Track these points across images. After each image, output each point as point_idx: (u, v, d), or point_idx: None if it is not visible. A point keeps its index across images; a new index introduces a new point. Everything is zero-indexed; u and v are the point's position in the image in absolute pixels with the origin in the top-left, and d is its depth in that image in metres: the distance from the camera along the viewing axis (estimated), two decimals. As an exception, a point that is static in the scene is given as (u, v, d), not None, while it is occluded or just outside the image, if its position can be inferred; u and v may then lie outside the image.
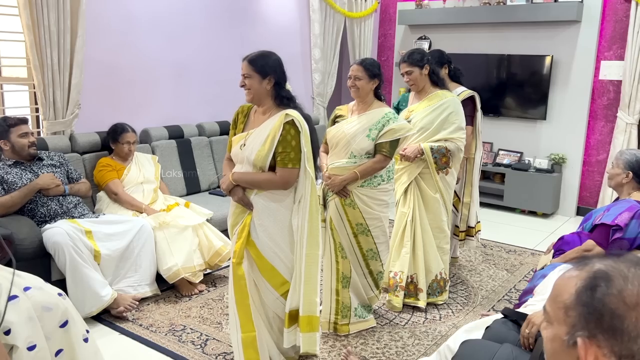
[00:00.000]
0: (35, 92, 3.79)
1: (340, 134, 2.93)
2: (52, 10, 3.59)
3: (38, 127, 3.95)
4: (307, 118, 2.39)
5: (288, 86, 2.43)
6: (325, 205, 2.98)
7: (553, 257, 2.98)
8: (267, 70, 2.35)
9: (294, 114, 2.32)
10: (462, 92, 3.63)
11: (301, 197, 2.36)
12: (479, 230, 4.04)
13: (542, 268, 2.82)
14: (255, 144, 2.35)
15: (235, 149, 2.46)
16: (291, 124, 2.30)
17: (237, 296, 2.41)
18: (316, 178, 2.43)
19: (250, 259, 2.42)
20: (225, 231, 3.85)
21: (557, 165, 5.66)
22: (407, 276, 3.31)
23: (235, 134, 2.51)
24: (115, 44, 4.23)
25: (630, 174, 2.79)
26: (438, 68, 3.53)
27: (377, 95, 2.97)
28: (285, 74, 2.42)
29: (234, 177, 2.40)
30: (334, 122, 3.07)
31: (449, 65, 3.71)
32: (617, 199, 2.98)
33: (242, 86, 2.39)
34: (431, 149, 3.20)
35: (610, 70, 5.36)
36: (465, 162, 3.76)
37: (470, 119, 3.65)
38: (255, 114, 2.48)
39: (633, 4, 5.00)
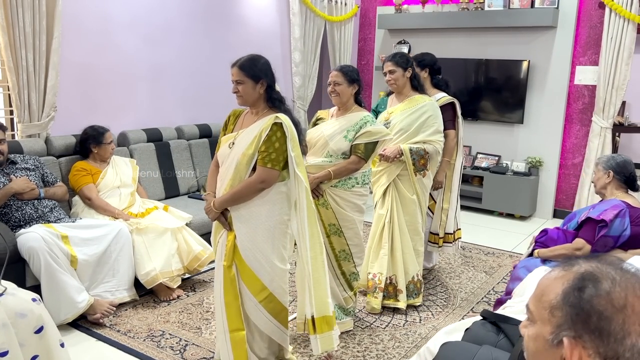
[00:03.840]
0: (9, 95, 3.71)
1: (318, 134, 2.97)
2: (27, 10, 3.53)
3: (13, 129, 3.87)
4: (296, 123, 2.40)
5: (277, 87, 2.44)
6: None
7: (534, 247, 3.01)
8: (259, 74, 2.37)
9: (283, 117, 2.33)
10: (442, 97, 3.66)
11: (295, 202, 2.37)
12: (459, 238, 4.05)
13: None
14: (243, 143, 2.37)
15: (223, 148, 2.47)
16: (279, 126, 2.32)
17: (227, 297, 2.39)
18: None
19: (235, 264, 2.41)
20: (204, 235, 3.83)
21: (534, 168, 5.74)
22: (386, 277, 3.33)
23: (225, 135, 2.53)
24: (92, 45, 4.17)
25: (611, 173, 2.92)
26: (418, 70, 3.57)
27: (358, 101, 3.02)
28: (274, 75, 2.44)
29: (216, 205, 2.40)
30: (314, 124, 3.12)
31: (432, 72, 3.71)
32: (600, 201, 3.05)
33: (234, 92, 2.40)
34: (410, 150, 3.23)
35: (585, 75, 5.47)
36: (446, 167, 3.79)
37: (452, 123, 3.69)
38: (247, 115, 2.50)
39: (607, 10, 5.11)
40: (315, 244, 2.38)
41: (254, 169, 2.36)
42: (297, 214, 2.38)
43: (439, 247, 3.91)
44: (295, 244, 2.96)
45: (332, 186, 2.90)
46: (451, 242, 3.94)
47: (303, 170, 2.36)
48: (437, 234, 3.88)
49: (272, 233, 2.39)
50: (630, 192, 2.96)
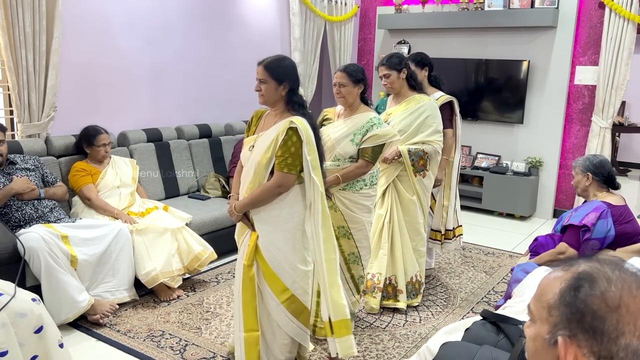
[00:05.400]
0: (9, 94, 3.71)
1: (325, 137, 2.93)
2: (27, 10, 3.53)
3: (13, 129, 3.87)
4: (315, 127, 2.40)
5: (300, 90, 2.44)
6: None
7: (530, 258, 3.05)
8: (282, 76, 2.38)
9: (298, 121, 2.32)
10: (440, 96, 3.66)
11: (310, 204, 2.38)
12: (461, 234, 4.05)
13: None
14: (261, 147, 2.38)
15: (244, 150, 2.50)
16: (295, 130, 2.31)
17: (244, 296, 2.42)
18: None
19: (257, 264, 2.43)
20: (204, 235, 3.84)
21: (534, 168, 5.74)
22: (386, 278, 3.33)
23: (248, 137, 2.55)
24: (92, 45, 4.17)
25: (590, 175, 2.91)
26: (418, 70, 3.56)
27: (364, 100, 2.98)
28: (299, 79, 2.44)
29: (237, 209, 2.45)
30: (321, 124, 3.08)
31: (430, 69, 3.73)
32: (584, 202, 3.06)
33: (257, 90, 2.42)
34: (409, 151, 3.22)
35: (585, 75, 5.46)
36: (445, 165, 3.78)
37: (450, 122, 3.69)
38: (267, 116, 2.51)
39: (607, 10, 5.10)
40: (329, 246, 2.37)
41: (272, 171, 2.37)
42: (312, 216, 2.38)
43: (441, 243, 3.90)
44: None
45: (340, 189, 2.89)
46: (451, 239, 3.93)
47: (319, 174, 2.35)
48: (439, 231, 3.88)
49: (292, 235, 2.40)
50: (611, 190, 2.96)
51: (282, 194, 2.36)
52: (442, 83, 3.79)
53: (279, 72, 2.37)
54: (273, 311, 2.44)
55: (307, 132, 2.31)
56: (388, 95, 3.64)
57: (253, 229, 2.44)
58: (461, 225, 4.04)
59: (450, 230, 3.91)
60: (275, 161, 2.34)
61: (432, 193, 3.74)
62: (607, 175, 2.90)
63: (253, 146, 2.43)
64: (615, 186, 2.93)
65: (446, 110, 3.64)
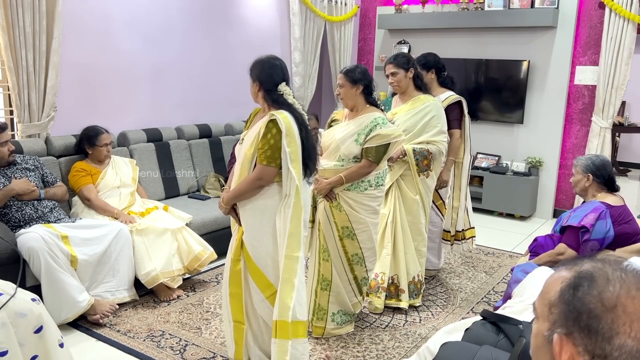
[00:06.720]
0: (9, 94, 3.71)
1: (330, 138, 2.96)
2: (27, 10, 3.53)
3: (13, 129, 3.87)
4: (302, 123, 2.41)
5: (283, 87, 2.44)
6: (315, 207, 2.99)
7: (530, 258, 3.05)
8: (254, 76, 2.47)
9: (278, 114, 2.34)
10: (450, 96, 3.64)
11: (285, 197, 2.37)
12: (473, 236, 4.03)
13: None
14: (248, 141, 2.44)
15: (238, 145, 2.57)
16: (274, 122, 2.33)
17: (231, 289, 2.46)
18: (307, 177, 2.46)
19: (243, 258, 2.46)
20: (204, 235, 3.83)
21: (534, 168, 5.74)
22: (388, 277, 3.33)
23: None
24: (92, 45, 4.17)
25: (590, 176, 2.91)
26: (424, 72, 3.56)
27: (370, 101, 2.96)
28: (273, 77, 2.44)
29: (224, 201, 2.49)
30: (329, 126, 3.11)
31: (438, 71, 3.70)
32: (582, 202, 3.06)
33: None
34: (413, 150, 3.23)
35: (585, 75, 5.46)
36: (454, 166, 3.77)
37: (458, 122, 3.67)
38: (260, 113, 2.58)
39: (607, 10, 5.11)
40: (293, 242, 2.32)
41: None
42: (283, 209, 2.36)
43: (451, 244, 3.90)
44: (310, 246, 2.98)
45: (345, 189, 2.89)
46: (460, 240, 3.92)
47: (297, 167, 2.35)
48: (449, 232, 3.88)
49: (277, 231, 2.40)
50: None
51: (263, 187, 2.37)
52: (451, 82, 3.75)
53: (252, 72, 2.48)
54: (258, 305, 2.46)
55: (288, 124, 2.33)
56: (393, 95, 3.64)
57: (240, 224, 2.46)
58: (473, 227, 4.02)
59: (460, 231, 3.91)
60: (257, 154, 2.37)
61: (440, 195, 3.74)
62: (607, 177, 2.90)
63: (243, 140, 2.49)
64: (614, 189, 2.93)
65: (455, 110, 3.63)
